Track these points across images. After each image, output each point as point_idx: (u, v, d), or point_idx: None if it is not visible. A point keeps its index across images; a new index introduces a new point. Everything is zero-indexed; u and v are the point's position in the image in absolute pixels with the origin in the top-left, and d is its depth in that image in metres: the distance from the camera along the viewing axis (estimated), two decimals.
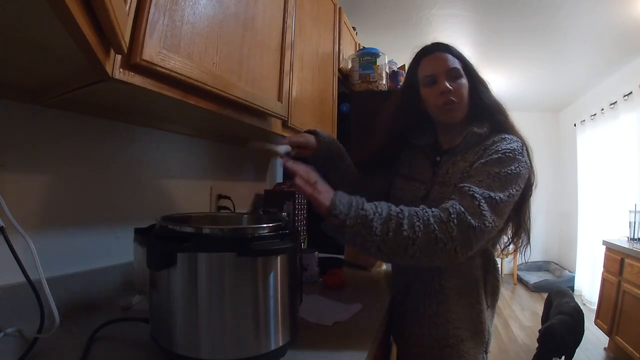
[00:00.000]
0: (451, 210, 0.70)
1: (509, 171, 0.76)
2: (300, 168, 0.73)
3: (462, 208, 0.70)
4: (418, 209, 0.72)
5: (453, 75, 0.87)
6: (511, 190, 0.76)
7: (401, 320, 0.97)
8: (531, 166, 0.83)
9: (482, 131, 0.86)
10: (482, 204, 0.71)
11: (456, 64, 0.88)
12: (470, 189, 0.73)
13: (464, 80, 0.88)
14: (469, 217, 0.69)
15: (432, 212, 0.71)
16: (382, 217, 0.69)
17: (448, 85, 0.86)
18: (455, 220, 0.69)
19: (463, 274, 0.87)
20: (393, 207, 0.71)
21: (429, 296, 0.88)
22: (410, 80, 0.95)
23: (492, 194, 0.73)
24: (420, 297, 0.90)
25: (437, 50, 0.90)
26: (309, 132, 0.98)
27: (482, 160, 0.80)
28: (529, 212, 0.88)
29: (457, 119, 0.90)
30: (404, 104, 0.97)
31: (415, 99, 0.94)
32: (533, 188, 0.86)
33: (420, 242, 0.68)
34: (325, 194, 0.70)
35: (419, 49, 0.94)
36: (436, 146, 0.96)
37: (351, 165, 1.02)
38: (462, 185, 0.76)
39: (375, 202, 0.72)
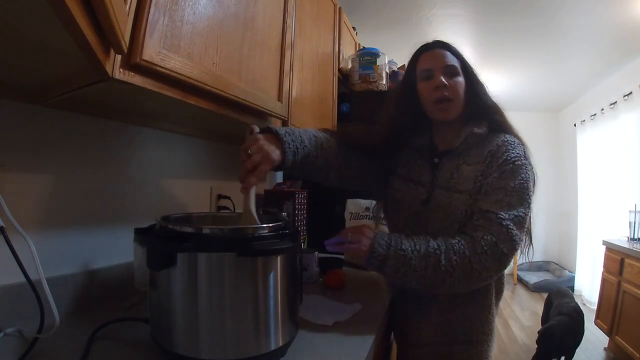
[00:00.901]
0: (483, 243, 0.74)
1: (522, 180, 0.80)
2: (334, 240, 0.80)
3: (492, 238, 0.75)
4: (454, 241, 0.76)
5: (450, 72, 0.87)
6: (528, 200, 0.80)
7: (407, 324, 0.96)
8: (532, 166, 0.85)
9: (481, 131, 0.86)
10: (510, 227, 0.75)
11: (454, 62, 0.89)
12: (498, 215, 0.77)
13: (461, 79, 0.88)
14: (501, 245, 0.74)
15: (467, 243, 0.75)
16: (421, 254, 0.74)
17: (443, 80, 0.86)
18: (488, 252, 0.74)
19: None
20: (431, 242, 0.76)
21: (441, 301, 0.88)
22: (409, 76, 0.95)
23: (516, 212, 0.77)
24: (431, 300, 0.89)
25: (436, 47, 0.91)
26: (269, 132, 0.80)
27: (495, 175, 0.81)
28: (531, 212, 0.88)
29: (450, 117, 0.89)
30: (402, 100, 0.96)
31: (413, 95, 0.94)
32: (535, 188, 0.86)
33: (458, 274, 0.73)
34: (363, 241, 0.77)
35: (420, 46, 0.94)
36: (432, 147, 0.95)
37: (319, 154, 0.88)
38: (486, 210, 0.79)
39: (414, 238, 0.77)
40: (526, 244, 0.90)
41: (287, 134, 0.80)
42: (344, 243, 0.79)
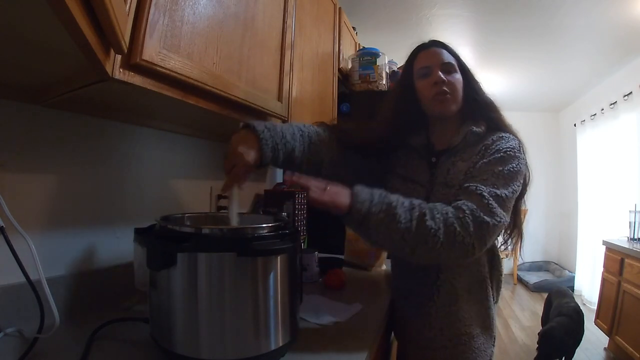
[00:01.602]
0: (464, 207, 0.72)
1: (511, 169, 0.78)
2: (309, 182, 0.71)
3: (473, 205, 0.72)
4: (437, 204, 0.74)
5: (447, 69, 0.88)
6: (514, 187, 0.78)
7: (407, 324, 0.96)
8: (527, 163, 0.85)
9: (480, 130, 0.87)
10: (490, 201, 0.73)
11: (451, 60, 0.89)
12: (477, 187, 0.75)
13: (458, 76, 0.89)
14: (481, 214, 0.71)
15: (448, 208, 0.73)
16: (405, 206, 0.70)
17: (442, 76, 0.87)
18: (470, 216, 0.71)
19: (471, 272, 0.88)
20: (414, 199, 0.73)
21: (441, 298, 0.88)
22: (406, 75, 0.95)
23: (498, 191, 0.75)
24: (430, 299, 0.89)
25: (433, 46, 0.91)
26: (247, 128, 0.78)
27: (484, 160, 0.81)
28: (521, 210, 0.89)
29: (449, 111, 0.89)
30: (400, 99, 0.96)
31: (410, 94, 0.94)
32: (528, 186, 0.87)
33: (442, 233, 0.69)
34: (341, 192, 0.70)
35: (417, 45, 0.94)
36: (429, 146, 0.95)
37: (306, 149, 0.87)
38: (467, 184, 0.77)
39: (396, 194, 0.73)
40: (516, 238, 0.90)
41: (266, 130, 0.78)
42: (321, 190, 0.70)
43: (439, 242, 0.69)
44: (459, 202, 0.74)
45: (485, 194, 0.74)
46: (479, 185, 0.76)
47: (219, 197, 1.34)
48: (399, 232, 0.69)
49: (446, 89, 0.87)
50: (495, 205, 0.73)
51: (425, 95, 0.90)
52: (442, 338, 0.88)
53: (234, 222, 0.74)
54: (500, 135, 0.85)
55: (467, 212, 0.71)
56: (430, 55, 0.90)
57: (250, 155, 0.74)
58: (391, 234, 0.69)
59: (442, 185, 0.86)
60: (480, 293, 0.88)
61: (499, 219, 0.73)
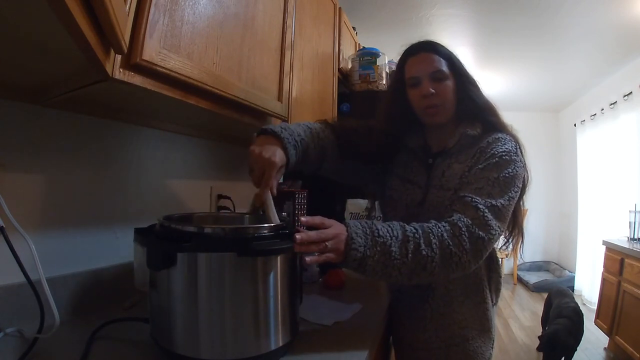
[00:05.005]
0: (460, 225, 0.72)
1: (507, 174, 0.77)
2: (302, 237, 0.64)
3: (469, 221, 0.72)
4: (431, 224, 0.72)
5: (437, 77, 0.86)
6: (510, 193, 0.77)
7: (402, 326, 0.96)
8: (525, 164, 0.84)
9: (475, 132, 0.86)
10: (486, 213, 0.73)
11: (442, 64, 0.87)
12: (473, 199, 0.74)
13: (449, 82, 0.87)
14: (477, 229, 0.71)
15: (444, 227, 0.72)
16: (399, 240, 0.69)
17: (430, 89, 0.85)
18: (466, 234, 0.71)
19: (467, 275, 0.86)
20: (407, 226, 0.72)
21: (435, 300, 0.88)
22: (398, 80, 0.94)
23: (494, 202, 0.74)
24: (426, 302, 0.89)
25: (422, 50, 0.88)
26: (265, 133, 0.78)
27: (479, 166, 0.80)
28: (519, 207, 0.88)
29: (439, 122, 0.89)
30: (394, 103, 0.96)
31: (403, 99, 0.93)
32: (527, 186, 0.86)
33: (438, 258, 0.69)
34: (335, 239, 0.66)
35: (406, 48, 0.92)
36: (426, 148, 0.95)
37: (316, 144, 0.87)
38: (463, 195, 0.77)
39: (388, 224, 0.72)
40: (517, 240, 0.90)
41: (283, 130, 0.78)
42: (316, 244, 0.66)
43: (436, 267, 0.69)
44: (454, 217, 0.73)
45: (481, 205, 0.73)
46: (474, 196, 0.75)
47: (219, 197, 1.34)
48: (396, 268, 0.69)
49: (435, 101, 0.86)
50: (490, 217, 0.73)
51: (416, 105, 0.90)
52: (437, 340, 0.87)
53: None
54: (496, 137, 0.84)
55: (463, 229, 0.71)
56: (418, 63, 0.88)
57: (278, 156, 0.74)
58: (389, 270, 0.69)
59: (437, 187, 0.86)
60: (477, 296, 0.88)
61: (494, 232, 0.73)
